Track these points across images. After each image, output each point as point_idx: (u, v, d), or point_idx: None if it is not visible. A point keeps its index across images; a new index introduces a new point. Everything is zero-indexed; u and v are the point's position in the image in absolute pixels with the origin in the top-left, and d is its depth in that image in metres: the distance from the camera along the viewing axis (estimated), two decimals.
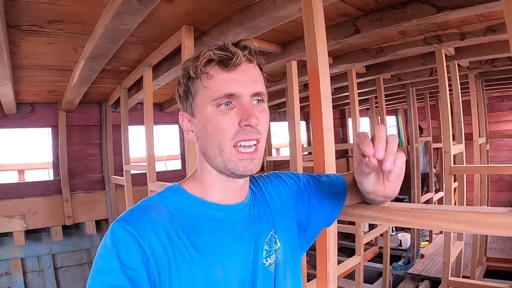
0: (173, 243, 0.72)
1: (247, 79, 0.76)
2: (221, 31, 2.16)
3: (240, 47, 0.76)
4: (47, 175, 4.35)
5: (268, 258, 0.84)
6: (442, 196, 5.65)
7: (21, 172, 4.70)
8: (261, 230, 0.86)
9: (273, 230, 0.88)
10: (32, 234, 3.95)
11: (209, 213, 0.80)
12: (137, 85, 3.44)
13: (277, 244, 0.87)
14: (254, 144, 0.76)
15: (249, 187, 0.89)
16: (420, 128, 6.28)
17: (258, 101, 0.78)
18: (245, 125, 0.74)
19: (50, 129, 4.19)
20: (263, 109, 0.79)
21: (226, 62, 0.74)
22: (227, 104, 0.75)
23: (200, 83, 0.77)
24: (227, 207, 0.82)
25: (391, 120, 8.72)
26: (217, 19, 2.15)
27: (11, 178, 4.60)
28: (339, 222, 1.01)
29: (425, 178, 6.30)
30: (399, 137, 8.86)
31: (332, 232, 1.21)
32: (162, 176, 2.97)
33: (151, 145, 2.85)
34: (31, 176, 4.70)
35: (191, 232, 0.76)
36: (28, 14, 1.86)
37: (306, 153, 5.48)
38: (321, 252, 1.22)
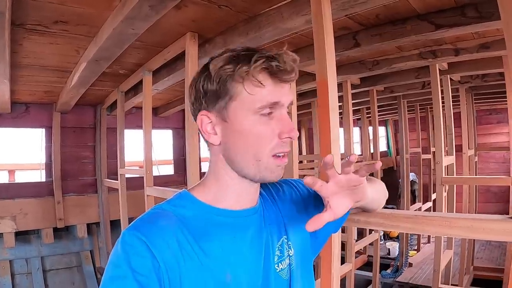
0: (183, 249, 0.72)
1: (288, 89, 0.77)
2: (225, 39, 2.19)
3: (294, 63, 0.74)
4: (38, 176, 4.31)
5: (280, 264, 0.84)
6: (430, 207, 5.76)
7: (11, 172, 4.66)
8: (272, 235, 0.85)
9: (285, 236, 0.87)
10: (21, 235, 3.90)
11: (220, 219, 0.79)
12: (135, 89, 3.45)
13: (290, 250, 0.87)
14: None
15: (260, 192, 0.88)
16: None
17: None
18: (286, 138, 0.75)
19: (43, 130, 4.17)
20: None
21: (280, 75, 0.72)
22: (269, 113, 0.74)
23: (243, 88, 0.72)
24: (237, 212, 0.81)
25: (381, 131, 8.83)
26: (221, 28, 2.17)
27: (1, 178, 4.54)
28: None
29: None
30: (388, 147, 8.99)
31: (337, 239, 1.25)
32: (156, 181, 2.98)
33: (149, 149, 2.85)
34: (21, 177, 4.65)
35: (201, 238, 0.75)
36: (34, 13, 1.84)
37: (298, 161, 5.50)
38: (326, 258, 1.26)
